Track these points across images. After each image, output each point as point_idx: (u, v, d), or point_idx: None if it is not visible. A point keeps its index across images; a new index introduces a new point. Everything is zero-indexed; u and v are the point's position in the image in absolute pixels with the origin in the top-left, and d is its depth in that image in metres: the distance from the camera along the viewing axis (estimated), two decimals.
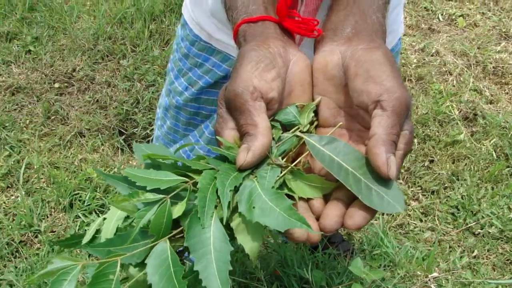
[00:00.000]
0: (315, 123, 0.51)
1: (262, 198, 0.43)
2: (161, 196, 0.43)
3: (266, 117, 0.46)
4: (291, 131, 0.50)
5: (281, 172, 0.46)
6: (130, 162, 1.67)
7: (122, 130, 1.77)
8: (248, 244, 0.42)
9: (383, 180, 0.43)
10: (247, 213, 0.42)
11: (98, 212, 1.50)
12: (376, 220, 1.49)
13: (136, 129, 1.76)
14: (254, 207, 0.42)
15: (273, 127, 0.49)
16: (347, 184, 0.43)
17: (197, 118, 0.88)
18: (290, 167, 0.47)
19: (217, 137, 0.47)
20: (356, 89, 0.46)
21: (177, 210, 0.42)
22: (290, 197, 0.46)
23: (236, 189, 0.44)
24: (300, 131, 0.49)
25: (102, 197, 1.54)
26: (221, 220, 0.42)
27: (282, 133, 0.50)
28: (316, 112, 0.51)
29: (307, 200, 0.47)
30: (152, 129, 1.76)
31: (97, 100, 1.85)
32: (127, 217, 0.47)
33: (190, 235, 0.41)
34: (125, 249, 0.41)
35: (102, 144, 1.73)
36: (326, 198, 0.47)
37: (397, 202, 0.43)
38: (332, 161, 0.45)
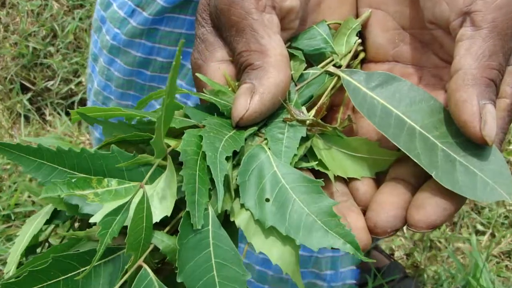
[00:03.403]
0: (361, 55, 0.50)
1: (281, 184, 0.40)
2: (134, 183, 0.39)
3: (280, 40, 0.45)
4: (320, 65, 0.48)
5: (307, 134, 0.44)
6: (41, 136, 1.60)
7: (27, 84, 1.72)
8: (275, 250, 0.39)
9: (476, 146, 0.41)
10: (256, 209, 0.40)
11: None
12: (464, 242, 1.44)
13: (52, 82, 1.71)
14: (267, 200, 0.40)
15: (291, 56, 0.47)
16: (413, 155, 0.42)
17: (146, 73, 0.85)
18: (320, 125, 0.45)
19: (198, 74, 0.46)
20: None
21: (163, 205, 0.38)
22: (319, 174, 0.44)
23: (236, 159, 0.42)
24: (334, 66, 0.47)
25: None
26: (218, 215, 0.39)
27: (306, 69, 0.48)
28: (363, 37, 0.50)
29: (348, 181, 0.46)
30: (79, 82, 1.67)
31: None
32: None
33: (182, 256, 0.37)
34: None
35: None
36: (379, 179, 0.46)
37: (501, 183, 0.40)
38: (387, 116, 0.43)
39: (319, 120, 0.44)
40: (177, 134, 0.41)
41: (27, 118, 1.67)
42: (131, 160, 0.38)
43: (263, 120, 0.44)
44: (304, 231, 0.38)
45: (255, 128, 0.43)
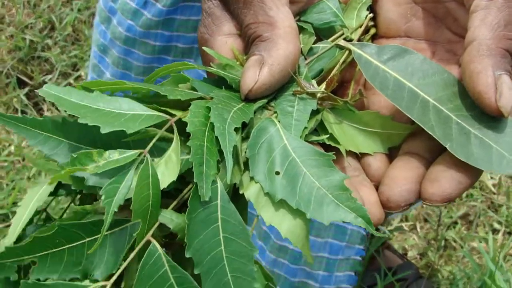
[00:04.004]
0: (372, 30, 0.50)
1: (292, 157, 0.41)
2: (135, 151, 0.39)
3: (289, 12, 0.45)
4: (330, 39, 0.49)
5: (317, 108, 0.44)
6: None
7: (24, 78, 1.72)
8: (285, 223, 0.40)
9: (491, 118, 0.42)
10: (266, 183, 0.40)
11: None
12: (480, 241, 1.45)
13: (50, 76, 1.71)
14: (277, 173, 0.40)
15: (300, 30, 0.48)
16: (427, 127, 0.42)
17: (167, 59, 0.89)
18: (331, 98, 0.45)
19: (205, 48, 0.46)
20: None
21: (169, 171, 0.38)
22: (330, 148, 0.45)
23: (245, 132, 0.42)
24: (345, 40, 0.48)
25: None
26: (227, 189, 0.40)
27: (315, 43, 0.49)
28: (373, 12, 0.50)
29: (360, 156, 0.46)
30: (79, 77, 1.68)
31: None
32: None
33: (191, 231, 0.38)
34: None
35: None
36: (392, 155, 0.47)
37: None
38: (400, 89, 0.44)
39: (330, 93, 0.45)
40: (184, 107, 0.42)
41: (24, 113, 1.66)
42: (138, 134, 0.39)
43: (273, 93, 0.44)
44: (315, 204, 0.39)
45: (265, 101, 0.43)
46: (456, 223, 1.52)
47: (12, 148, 1.55)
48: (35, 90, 1.63)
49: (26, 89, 1.71)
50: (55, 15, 1.76)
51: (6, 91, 1.70)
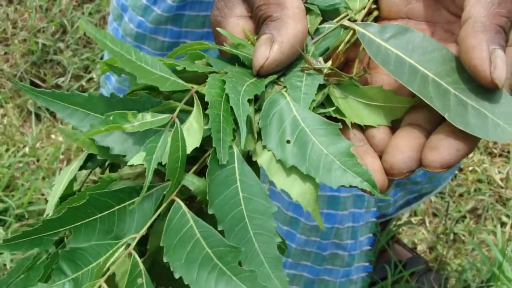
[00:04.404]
0: (375, 13, 0.52)
1: (301, 127, 0.43)
2: (167, 116, 0.42)
3: None
4: (335, 20, 0.50)
5: (324, 83, 0.46)
6: (52, 136, 1.63)
7: (37, 81, 1.73)
8: (296, 188, 0.42)
9: (486, 91, 0.43)
10: (278, 150, 0.43)
11: None
12: (488, 234, 1.46)
13: (62, 79, 1.73)
14: (288, 141, 0.43)
15: (307, 11, 0.49)
16: (426, 97, 0.44)
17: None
18: (337, 74, 0.47)
19: (218, 29, 0.48)
20: None
21: (192, 138, 0.41)
22: (337, 121, 0.46)
23: (257, 104, 0.45)
24: (349, 21, 0.50)
25: (2, 198, 1.48)
26: (243, 155, 0.42)
27: (321, 24, 0.50)
28: None
29: (364, 128, 0.48)
30: (91, 79, 1.71)
31: None
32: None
33: (212, 191, 0.40)
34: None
35: (2, 106, 1.69)
36: (394, 128, 0.48)
37: (511, 123, 0.42)
38: (401, 64, 0.45)
39: (336, 69, 0.47)
40: (200, 82, 0.44)
41: (37, 116, 1.68)
42: (159, 105, 0.42)
43: (282, 70, 0.46)
44: (323, 170, 0.41)
45: (275, 76, 0.46)
46: (464, 217, 1.53)
47: (27, 149, 1.58)
48: None
49: None
50: (66, 19, 1.78)
51: (20, 94, 1.71)
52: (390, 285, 1.31)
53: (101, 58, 1.72)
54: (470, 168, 1.62)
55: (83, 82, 1.73)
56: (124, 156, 0.41)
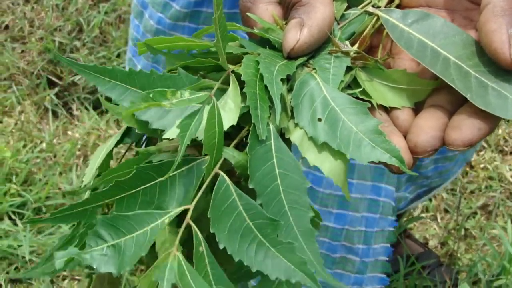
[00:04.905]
0: (396, 1, 0.53)
1: (331, 106, 0.45)
2: (205, 93, 0.43)
3: None
4: (359, 6, 0.52)
5: (350, 66, 0.48)
6: (69, 132, 1.65)
7: (54, 79, 1.76)
8: (327, 164, 0.43)
9: (506, 73, 0.44)
10: (310, 128, 0.44)
11: (13, 216, 1.46)
12: (498, 229, 1.47)
13: (79, 77, 1.75)
14: (319, 119, 0.44)
15: None
16: (448, 79, 0.45)
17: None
18: (364, 57, 0.49)
19: (249, 14, 0.49)
20: None
21: (229, 115, 0.42)
22: (363, 101, 0.48)
23: (289, 85, 0.46)
24: (373, 7, 0.51)
25: (20, 192, 1.50)
26: (278, 131, 0.44)
27: (346, 10, 0.52)
28: None
29: (389, 110, 0.49)
30: None
31: (7, 27, 1.82)
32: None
33: (253, 165, 0.42)
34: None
35: (19, 103, 1.71)
36: (417, 110, 0.49)
37: None
38: (423, 48, 0.47)
39: (363, 52, 0.48)
40: (232, 63, 0.46)
41: (54, 113, 1.71)
42: (196, 82, 0.45)
43: (311, 52, 0.48)
44: (353, 146, 0.43)
45: (304, 58, 0.47)
46: (475, 213, 1.55)
47: (44, 145, 1.61)
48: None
49: (56, 89, 1.74)
50: (82, 17, 1.80)
51: (37, 91, 1.74)
52: (402, 277, 1.33)
53: (117, 55, 1.75)
54: (482, 166, 1.63)
55: None
56: (162, 130, 0.43)
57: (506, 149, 1.69)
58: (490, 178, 1.61)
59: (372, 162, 0.44)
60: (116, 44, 1.78)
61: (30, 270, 0.46)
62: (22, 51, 1.80)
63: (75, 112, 1.70)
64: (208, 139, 0.41)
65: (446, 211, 1.56)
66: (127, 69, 0.52)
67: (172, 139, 0.43)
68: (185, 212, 0.42)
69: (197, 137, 0.42)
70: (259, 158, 0.42)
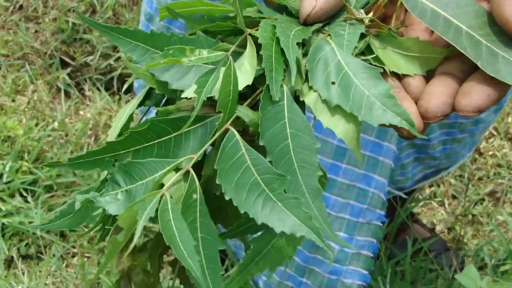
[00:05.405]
0: None
1: (345, 70, 0.46)
2: (222, 53, 0.45)
3: None
4: None
5: (365, 33, 0.49)
6: (81, 112, 1.66)
7: (67, 59, 1.76)
8: (340, 126, 0.45)
9: None
10: (324, 91, 0.46)
11: (24, 193, 1.48)
12: (505, 216, 1.48)
13: (91, 58, 1.75)
14: (333, 83, 0.45)
15: None
16: (460, 46, 0.46)
17: None
18: (378, 25, 0.50)
19: None
20: None
21: (244, 75, 0.44)
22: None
23: (304, 50, 0.47)
24: None
25: (32, 169, 1.51)
26: (291, 94, 0.45)
27: None
28: None
29: (401, 78, 0.50)
30: (119, 58, 1.75)
31: (21, 7, 1.82)
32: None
33: (264, 124, 0.43)
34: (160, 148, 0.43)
35: (32, 82, 1.72)
36: (428, 78, 0.50)
37: None
38: (436, 17, 0.48)
39: (376, 20, 0.49)
40: (251, 27, 0.47)
41: (66, 93, 1.72)
42: (215, 45, 0.46)
43: (327, 19, 0.49)
44: (365, 109, 0.44)
45: (320, 25, 0.48)
46: (483, 199, 1.55)
47: (56, 124, 1.62)
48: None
49: (69, 69, 1.75)
50: None
51: (50, 71, 1.75)
52: (409, 257, 1.34)
53: None
54: (490, 153, 1.64)
55: (111, 61, 1.75)
56: (182, 91, 0.45)
57: None
58: (499, 165, 1.62)
59: (383, 125, 0.45)
60: (129, 25, 1.77)
61: (47, 223, 0.47)
62: (36, 31, 1.81)
63: (87, 93, 1.71)
64: (223, 97, 0.42)
65: (454, 197, 1.56)
66: None
67: (190, 98, 0.44)
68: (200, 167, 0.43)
69: (214, 96, 0.43)
70: (271, 118, 0.43)
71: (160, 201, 0.40)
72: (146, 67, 0.43)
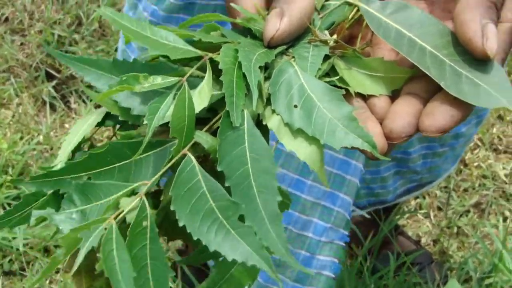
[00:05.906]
0: None
1: (307, 93, 0.46)
2: (176, 78, 0.45)
3: None
4: None
5: (329, 55, 0.49)
6: (66, 125, 1.66)
7: (52, 72, 1.77)
8: (303, 149, 0.45)
9: (479, 62, 0.46)
10: (286, 114, 0.45)
11: (8, 208, 1.47)
12: (492, 228, 1.48)
13: None
14: (295, 106, 0.45)
15: None
16: (423, 67, 0.46)
17: None
18: (342, 46, 0.50)
19: (232, 4, 0.50)
20: None
21: (201, 99, 0.44)
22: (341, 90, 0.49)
23: (267, 72, 0.47)
24: None
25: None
26: (253, 118, 0.45)
27: (327, 1, 0.53)
28: None
29: (367, 98, 0.50)
30: None
31: (7, 19, 1.83)
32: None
33: (222, 149, 0.43)
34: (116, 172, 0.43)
35: (17, 95, 1.72)
36: (394, 98, 0.50)
37: (501, 91, 0.44)
38: (401, 38, 0.48)
39: (340, 41, 0.49)
40: (214, 52, 0.47)
41: (52, 106, 1.71)
42: (175, 71, 0.46)
43: (291, 41, 0.49)
44: (327, 132, 0.44)
45: (284, 47, 0.48)
46: (468, 211, 1.56)
47: (41, 137, 1.61)
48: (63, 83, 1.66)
49: (54, 82, 1.75)
50: (82, 11, 1.81)
51: (35, 84, 1.74)
52: (392, 271, 1.34)
53: (115, 49, 1.76)
54: (475, 164, 1.65)
55: None
56: (144, 116, 0.45)
57: (499, 147, 1.70)
58: (484, 176, 1.62)
59: (345, 147, 0.45)
60: (115, 38, 1.78)
61: (3, 216, 0.46)
62: (21, 44, 1.81)
63: (73, 105, 1.71)
64: (177, 122, 0.42)
65: (439, 208, 1.57)
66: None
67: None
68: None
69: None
70: (231, 142, 0.43)
71: (106, 229, 0.40)
72: (102, 95, 0.43)
